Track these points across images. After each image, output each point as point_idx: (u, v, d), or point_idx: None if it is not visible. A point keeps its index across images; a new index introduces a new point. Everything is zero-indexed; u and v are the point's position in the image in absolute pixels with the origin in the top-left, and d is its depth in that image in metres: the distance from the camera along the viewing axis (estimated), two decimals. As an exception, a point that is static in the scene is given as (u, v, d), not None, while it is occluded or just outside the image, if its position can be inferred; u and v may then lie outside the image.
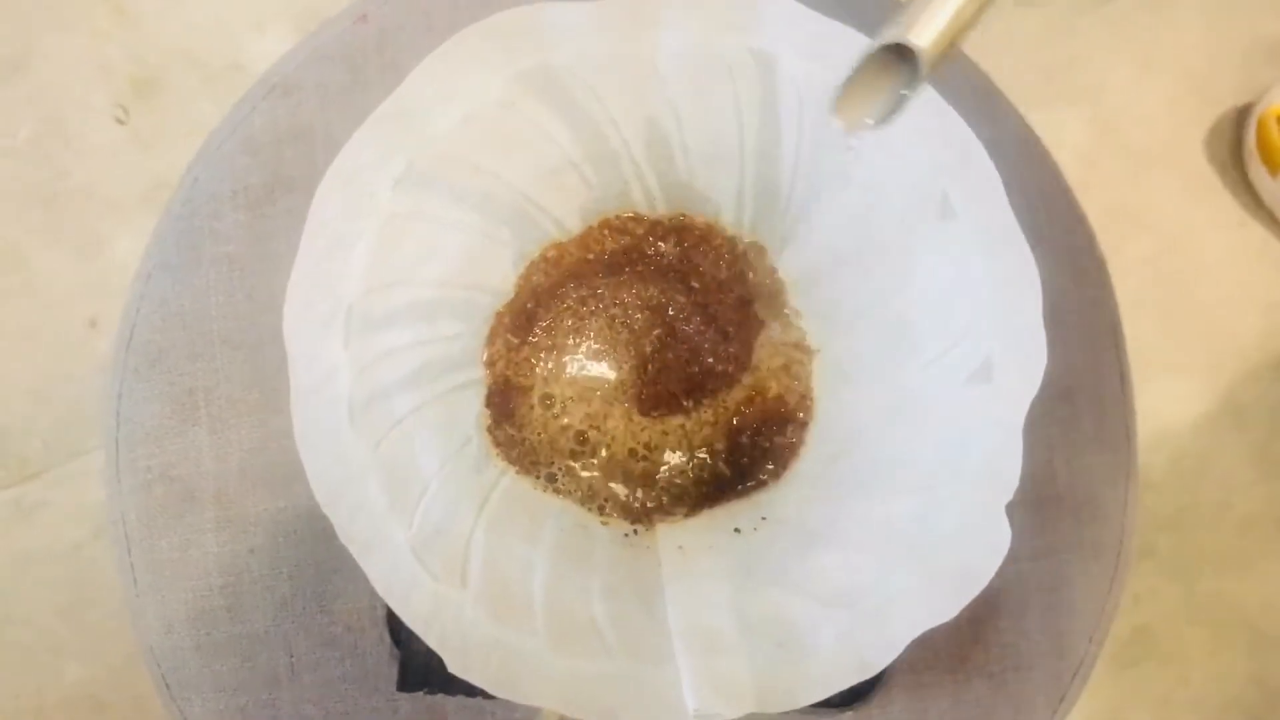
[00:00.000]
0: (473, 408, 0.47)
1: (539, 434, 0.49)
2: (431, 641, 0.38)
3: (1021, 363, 0.40)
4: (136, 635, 0.53)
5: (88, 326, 1.10)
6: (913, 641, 0.39)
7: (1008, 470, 0.39)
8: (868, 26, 0.43)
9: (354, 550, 0.38)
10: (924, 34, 0.35)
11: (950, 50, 0.36)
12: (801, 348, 0.50)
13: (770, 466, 0.49)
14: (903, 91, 0.38)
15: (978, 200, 0.41)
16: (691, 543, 0.45)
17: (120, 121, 1.13)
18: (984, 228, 0.41)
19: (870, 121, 0.40)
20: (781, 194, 0.47)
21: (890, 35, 0.36)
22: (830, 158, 0.45)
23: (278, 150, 0.56)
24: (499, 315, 0.49)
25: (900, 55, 0.37)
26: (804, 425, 0.49)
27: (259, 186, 0.56)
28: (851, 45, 0.42)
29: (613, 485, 0.48)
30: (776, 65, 0.43)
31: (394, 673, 0.52)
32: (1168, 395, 1.14)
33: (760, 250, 0.51)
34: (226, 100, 1.11)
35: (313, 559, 0.53)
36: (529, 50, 0.42)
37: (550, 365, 0.50)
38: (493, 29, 0.41)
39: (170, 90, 1.14)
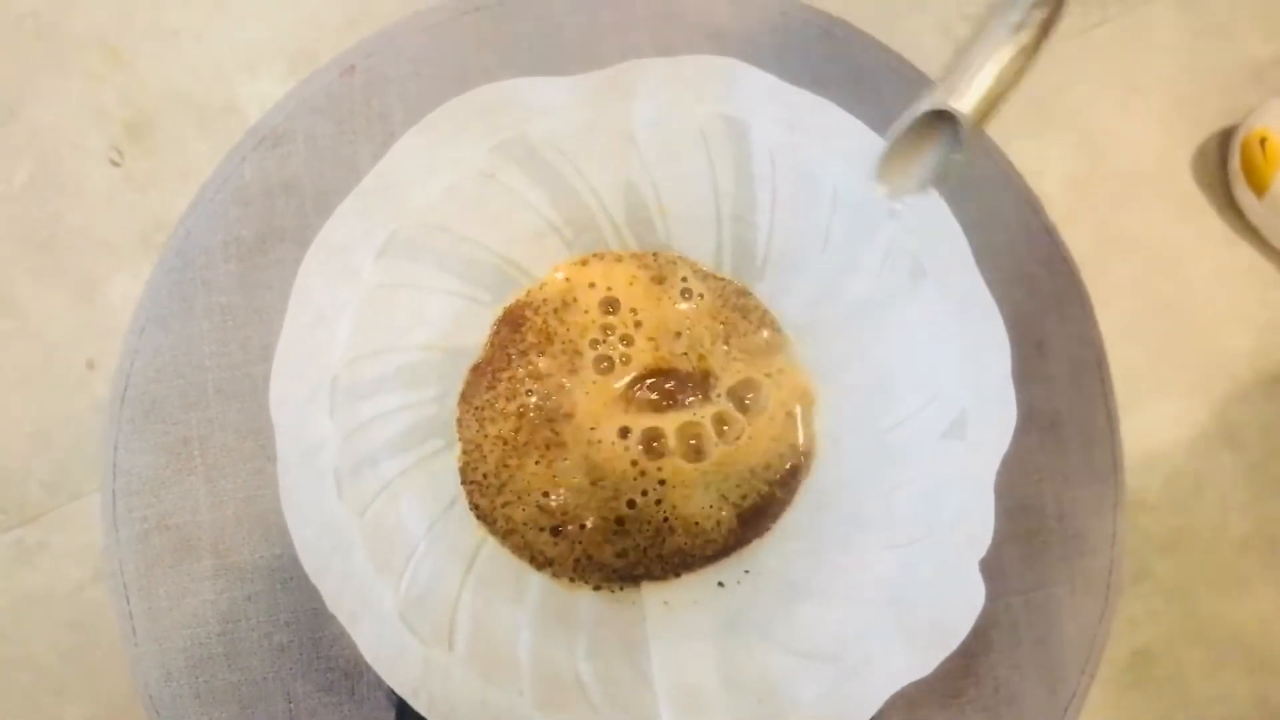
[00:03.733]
0: (454, 469, 0.48)
1: (512, 500, 0.48)
2: (420, 707, 0.38)
3: (992, 421, 0.41)
4: (135, 683, 0.54)
5: (85, 368, 1.10)
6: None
7: (981, 527, 0.40)
8: (837, 96, 0.44)
9: (342, 619, 0.39)
10: (966, 99, 0.37)
11: (992, 114, 0.37)
12: (805, 393, 0.50)
13: (766, 523, 0.49)
14: (951, 155, 0.40)
15: (945, 261, 0.42)
16: (676, 598, 0.46)
17: (115, 164, 1.14)
18: (952, 288, 0.42)
19: (913, 186, 0.41)
20: (758, 255, 0.48)
21: (933, 101, 0.38)
22: (803, 217, 0.46)
23: (268, 201, 0.57)
24: (472, 371, 0.50)
25: (942, 120, 0.38)
26: (800, 479, 0.49)
27: (250, 238, 0.56)
28: (822, 114, 0.43)
29: (594, 556, 0.48)
30: (749, 132, 0.44)
31: (391, 717, 0.52)
32: (1161, 417, 1.14)
33: (748, 293, 0.52)
34: (221, 142, 1.12)
35: (310, 605, 0.53)
36: (508, 123, 0.43)
37: (526, 421, 0.50)
38: (471, 103, 0.42)
39: (165, 133, 1.15)
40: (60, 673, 1.05)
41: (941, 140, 0.40)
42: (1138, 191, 1.18)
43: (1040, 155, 1.15)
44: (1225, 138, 1.18)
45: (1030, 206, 0.58)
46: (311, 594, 0.53)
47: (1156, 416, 1.14)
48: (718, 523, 0.48)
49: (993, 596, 0.40)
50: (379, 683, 0.53)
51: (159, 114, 1.15)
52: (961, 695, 0.54)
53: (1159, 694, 1.09)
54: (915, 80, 0.59)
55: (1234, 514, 1.13)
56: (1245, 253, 1.17)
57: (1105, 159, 1.18)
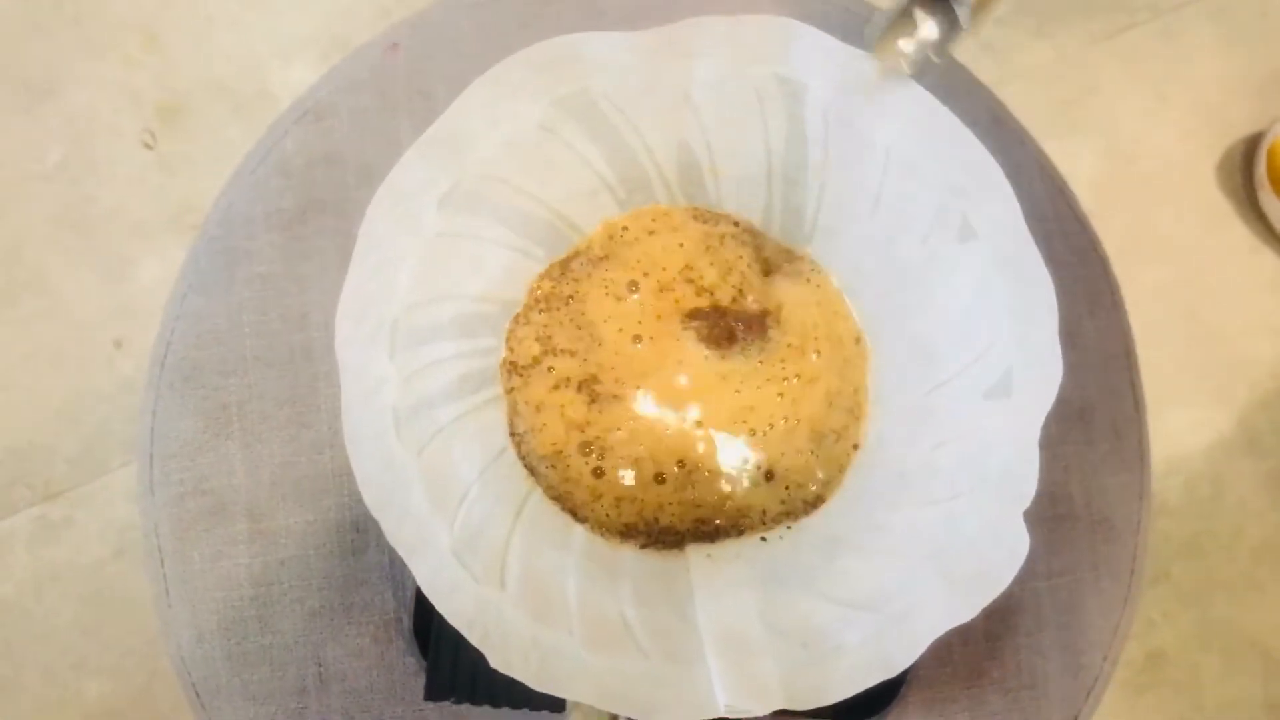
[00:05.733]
0: (503, 420, 0.48)
1: (551, 457, 0.48)
2: (474, 639, 0.39)
3: (1038, 378, 0.41)
4: (168, 645, 0.54)
5: (113, 347, 1.12)
6: (931, 657, 0.40)
7: (1025, 480, 0.40)
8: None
9: (402, 552, 0.39)
10: None
11: None
12: (859, 347, 0.50)
13: (813, 483, 0.48)
14: (951, 33, 0.39)
15: (996, 222, 0.42)
16: (719, 551, 0.46)
17: (148, 147, 1.15)
18: (1002, 249, 0.42)
19: (907, 66, 0.41)
20: (806, 216, 0.49)
21: None
22: (854, 179, 0.46)
23: (309, 173, 0.58)
24: (511, 323, 0.49)
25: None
26: (848, 457, 0.49)
27: (291, 208, 0.57)
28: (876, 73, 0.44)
29: (636, 523, 0.48)
30: (804, 93, 0.45)
31: (420, 682, 0.53)
32: (1183, 422, 1.14)
33: (791, 253, 0.51)
34: (253, 127, 1.14)
35: (341, 571, 0.54)
36: (568, 78, 0.44)
37: (563, 378, 0.49)
38: (534, 58, 0.43)
39: (198, 117, 1.16)
40: (81, 647, 1.06)
41: (937, 25, 0.40)
42: (1163, 196, 1.18)
43: (1067, 158, 1.14)
44: (1252, 144, 1.18)
45: (1064, 197, 0.59)
46: (343, 559, 0.54)
47: (1178, 421, 1.14)
48: (763, 510, 0.48)
49: (1018, 581, 0.40)
50: (408, 648, 0.53)
51: (192, 99, 1.17)
52: (984, 677, 0.55)
53: (1173, 697, 1.09)
54: (952, 69, 0.60)
55: (1252, 520, 1.13)
56: (1269, 260, 1.17)
57: (1132, 163, 1.19)
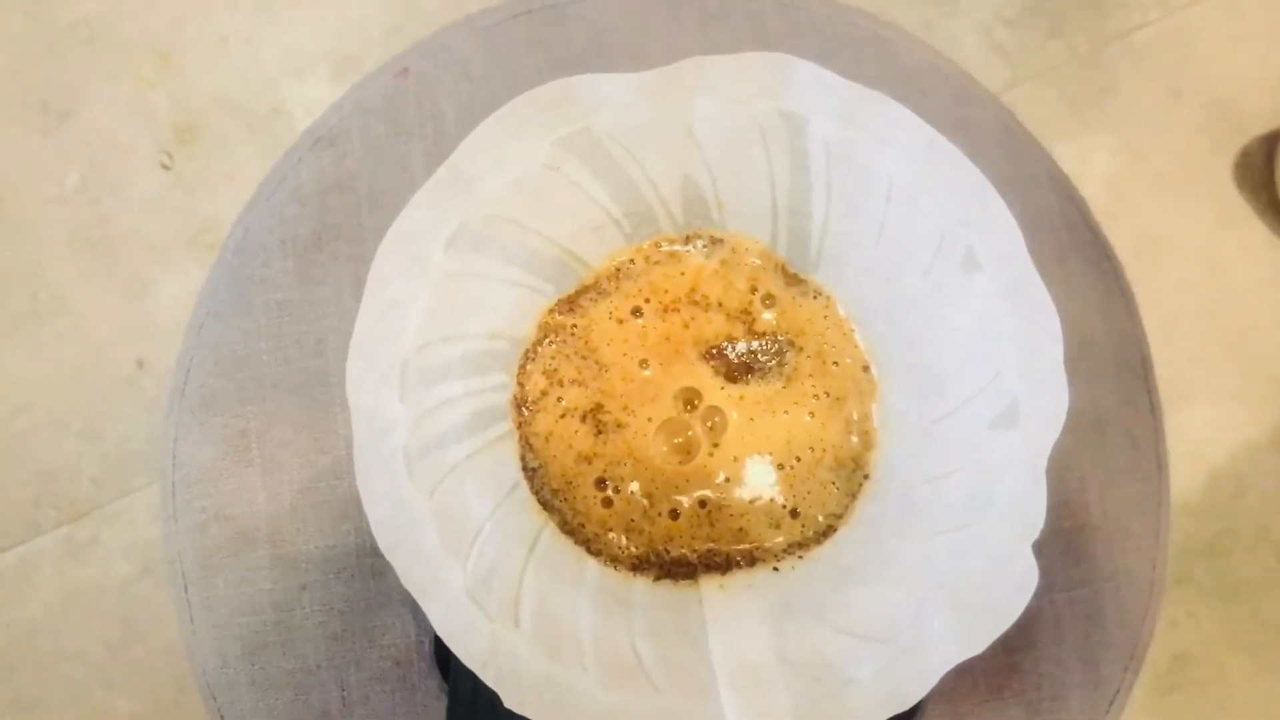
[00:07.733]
0: (516, 455, 0.48)
1: (563, 491, 0.48)
2: (488, 679, 0.39)
3: (1044, 409, 0.41)
4: (193, 670, 0.55)
5: (135, 367, 1.13)
6: (951, 671, 0.40)
7: (1033, 511, 0.40)
8: (893, 90, 0.44)
9: (415, 594, 0.40)
10: None
11: None
12: (868, 375, 0.50)
13: (827, 514, 0.48)
14: None
15: (1000, 253, 0.42)
16: (731, 582, 0.46)
17: (165, 167, 1.16)
18: (1007, 280, 0.42)
19: None
20: (812, 246, 0.49)
21: None
22: (857, 210, 0.46)
23: (324, 200, 0.58)
24: (524, 356, 0.49)
25: None
26: (859, 481, 0.49)
27: (306, 235, 0.58)
28: (878, 108, 0.44)
29: (650, 556, 0.47)
30: (806, 126, 0.45)
31: (443, 705, 0.53)
32: (1202, 421, 1.14)
33: (797, 278, 0.51)
34: (268, 145, 1.15)
35: (363, 595, 0.54)
36: (572, 116, 0.44)
37: (576, 409, 0.49)
38: (538, 99, 0.43)
39: (213, 136, 1.17)
40: (110, 666, 1.07)
41: None
42: (1179, 194, 1.18)
43: (1081, 157, 1.15)
44: (1271, 141, 1.17)
45: (1075, 205, 0.59)
46: (365, 584, 0.55)
47: (1198, 419, 1.14)
48: (778, 542, 0.48)
49: (1037, 593, 0.40)
50: (430, 671, 0.54)
51: (207, 118, 1.18)
52: (1004, 690, 0.55)
53: (1199, 697, 1.09)
54: (961, 79, 0.60)
55: (1276, 518, 1.12)
56: (1286, 257, 1.17)
57: (1146, 161, 1.18)
